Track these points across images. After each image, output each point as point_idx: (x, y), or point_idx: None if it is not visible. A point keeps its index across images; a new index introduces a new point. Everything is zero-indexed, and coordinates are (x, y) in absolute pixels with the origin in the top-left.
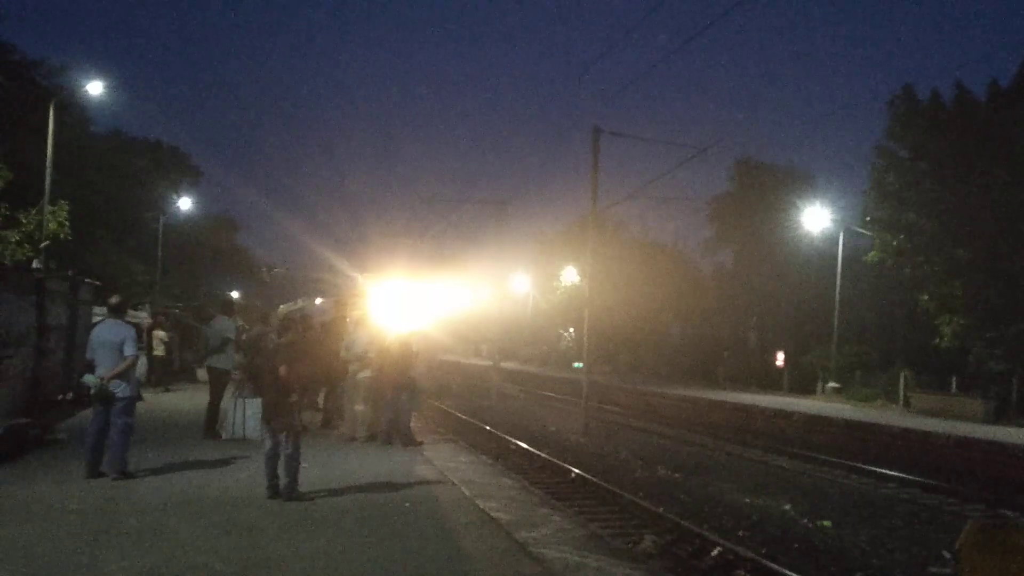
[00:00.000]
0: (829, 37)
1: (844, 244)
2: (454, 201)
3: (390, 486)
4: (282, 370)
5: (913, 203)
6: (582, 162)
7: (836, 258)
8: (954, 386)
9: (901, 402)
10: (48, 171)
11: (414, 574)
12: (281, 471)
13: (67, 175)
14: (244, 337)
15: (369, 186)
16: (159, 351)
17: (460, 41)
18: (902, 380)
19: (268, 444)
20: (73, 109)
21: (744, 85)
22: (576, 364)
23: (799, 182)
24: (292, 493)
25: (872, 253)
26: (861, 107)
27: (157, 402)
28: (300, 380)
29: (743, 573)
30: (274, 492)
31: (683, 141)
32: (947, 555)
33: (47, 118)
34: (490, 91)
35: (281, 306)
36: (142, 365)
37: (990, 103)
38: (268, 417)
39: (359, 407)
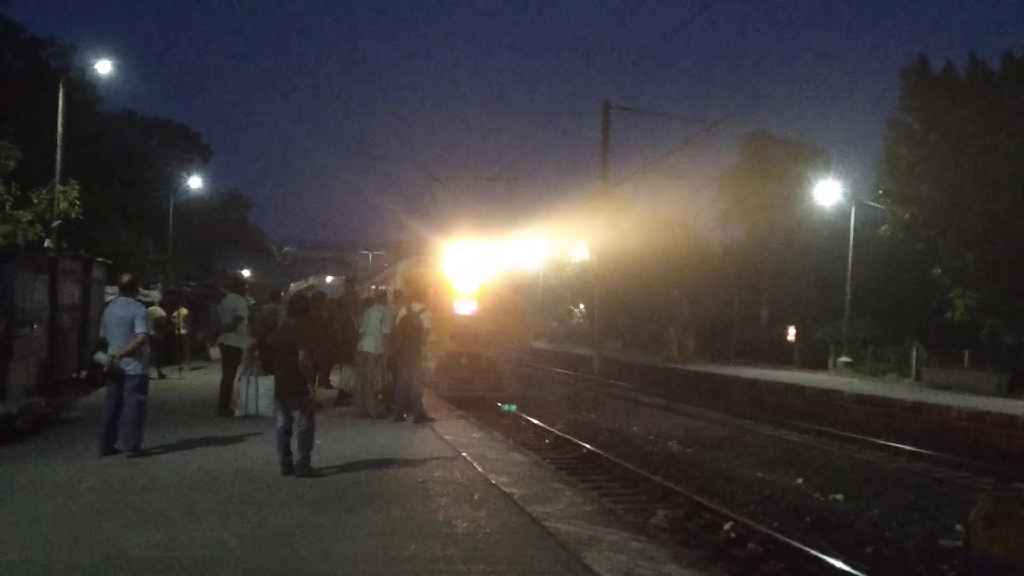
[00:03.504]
0: (841, 8)
1: (856, 218)
2: (463, 178)
3: (403, 462)
4: (302, 355)
5: (926, 176)
6: (591, 138)
7: (848, 232)
8: (966, 360)
9: (913, 376)
10: (59, 150)
11: (428, 549)
12: (294, 447)
13: (77, 155)
14: (256, 315)
15: (379, 163)
16: (183, 330)
17: (470, 15)
18: (914, 354)
19: (281, 421)
20: (83, 88)
21: (755, 58)
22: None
23: (810, 155)
24: (305, 469)
25: (884, 227)
26: (873, 79)
27: (170, 381)
28: (315, 358)
29: (755, 547)
30: (287, 468)
31: (694, 115)
32: (959, 528)
33: (56, 98)
34: (500, 67)
35: (292, 284)
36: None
37: (1004, 74)
38: (281, 394)
39: (370, 383)
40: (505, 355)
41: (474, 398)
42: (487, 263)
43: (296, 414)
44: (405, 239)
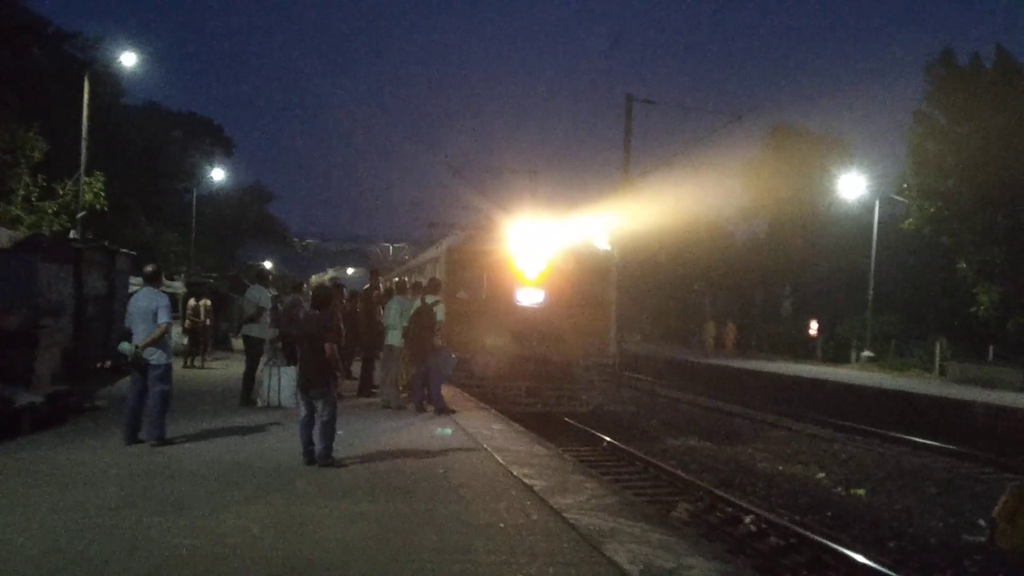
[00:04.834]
0: (866, 2)
1: (880, 212)
2: (484, 170)
3: (424, 453)
4: (328, 347)
5: (952, 169)
6: (614, 131)
7: (872, 226)
8: (991, 355)
9: (937, 371)
10: (84, 142)
11: (449, 540)
12: (316, 437)
13: (102, 147)
14: (279, 306)
15: (400, 155)
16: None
17: (494, 7)
18: (938, 349)
19: (303, 411)
20: (107, 81)
21: (779, 52)
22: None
23: (834, 149)
24: (327, 459)
25: (909, 221)
26: (898, 72)
27: (194, 371)
28: (340, 350)
29: (776, 540)
30: (310, 459)
31: (717, 108)
32: (982, 523)
33: (82, 90)
34: (523, 60)
35: (313, 276)
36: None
37: None
38: (304, 385)
39: (392, 375)
40: (583, 360)
41: (542, 414)
42: (558, 240)
43: (318, 405)
44: (444, 222)
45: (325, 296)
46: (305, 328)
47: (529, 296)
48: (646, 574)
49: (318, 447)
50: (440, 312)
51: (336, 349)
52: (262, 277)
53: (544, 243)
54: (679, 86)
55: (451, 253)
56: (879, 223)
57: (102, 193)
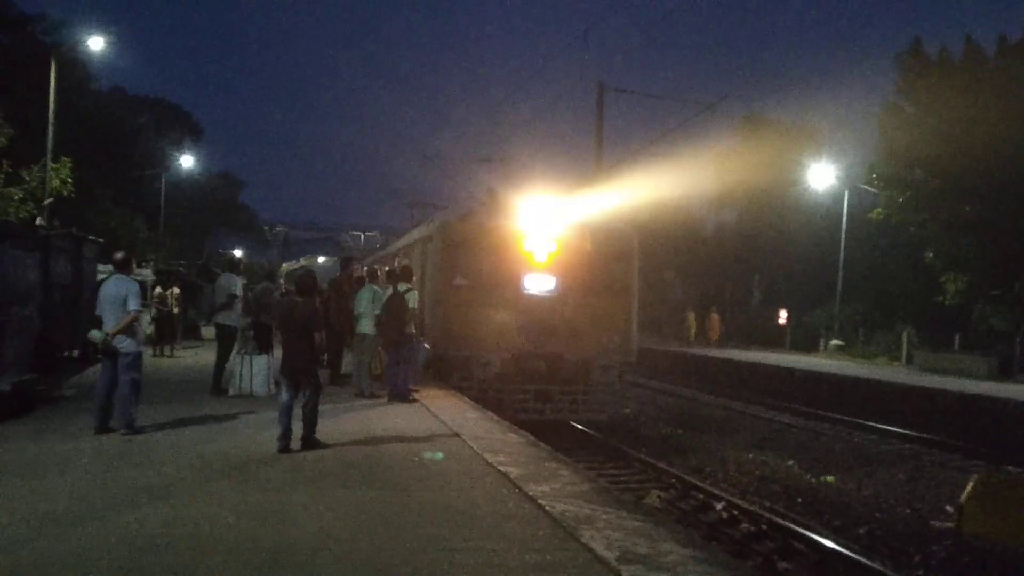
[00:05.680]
0: None
1: (849, 201)
2: (456, 158)
3: (398, 440)
4: (317, 336)
5: (920, 159)
6: (587, 119)
7: (841, 215)
8: (957, 344)
9: (904, 359)
10: (51, 127)
11: (425, 528)
12: (296, 423)
13: (69, 132)
14: (249, 294)
15: (372, 143)
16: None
17: None
18: (905, 338)
19: (286, 396)
20: (74, 65)
21: (752, 41)
22: None
23: (805, 138)
24: (310, 440)
25: (877, 210)
26: (870, 61)
27: (163, 360)
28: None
29: (748, 527)
30: (285, 445)
31: (690, 97)
32: (949, 509)
33: (48, 74)
34: (494, 45)
35: (283, 264)
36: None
37: (999, 58)
38: (290, 372)
39: (364, 363)
40: (601, 359)
41: (552, 423)
42: (571, 217)
43: (305, 389)
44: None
45: (310, 284)
46: (293, 316)
47: (539, 282)
48: (622, 560)
49: (303, 429)
50: (412, 300)
51: (322, 336)
52: (233, 265)
53: (556, 220)
54: (654, 76)
55: (445, 232)
56: (849, 213)
57: (69, 179)
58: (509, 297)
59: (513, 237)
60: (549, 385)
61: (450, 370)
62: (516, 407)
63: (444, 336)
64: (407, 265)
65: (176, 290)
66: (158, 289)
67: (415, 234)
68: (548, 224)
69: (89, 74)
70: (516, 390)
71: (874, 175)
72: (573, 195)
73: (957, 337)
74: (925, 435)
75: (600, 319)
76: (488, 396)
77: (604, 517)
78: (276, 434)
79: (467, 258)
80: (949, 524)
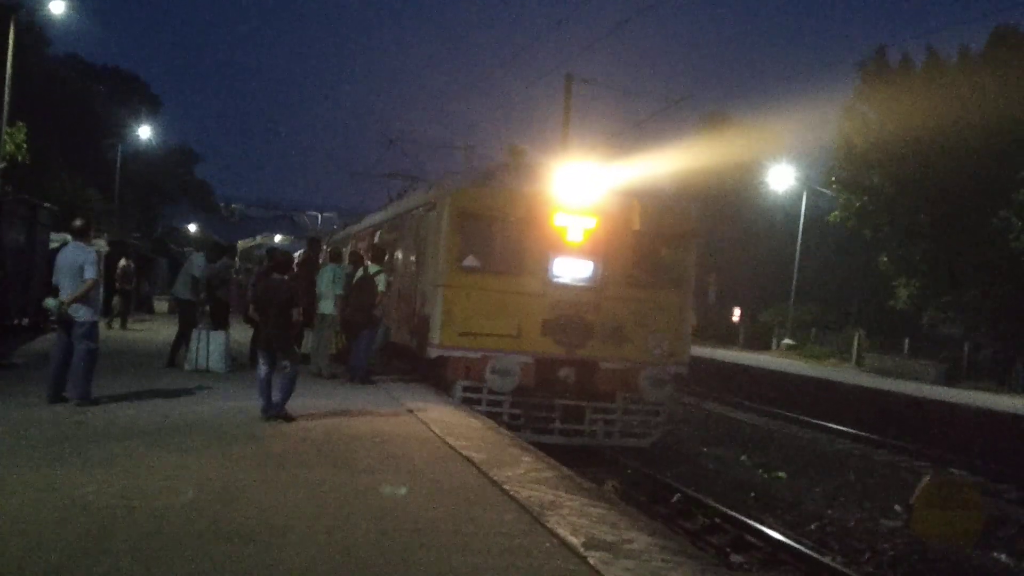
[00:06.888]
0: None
1: (808, 204)
2: (421, 143)
3: (360, 423)
4: (296, 312)
5: (878, 165)
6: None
7: (799, 217)
8: (907, 348)
9: (854, 360)
10: (7, 90)
11: (390, 511)
12: (275, 389)
13: (24, 98)
14: (207, 272)
15: (334, 124)
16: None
17: None
18: (856, 339)
19: (264, 369)
20: (31, 29)
21: (720, 40)
22: None
23: (766, 138)
24: (280, 409)
25: (834, 213)
26: (833, 66)
27: (116, 332)
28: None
29: (702, 518)
30: (269, 413)
31: (657, 93)
32: (898, 508)
33: (5, 36)
34: (463, 30)
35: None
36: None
37: (960, 67)
38: (267, 344)
39: (324, 344)
40: (649, 369)
41: (573, 449)
42: (615, 186)
43: (285, 362)
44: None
45: (287, 261)
46: (275, 292)
47: (571, 268)
48: (588, 547)
49: (276, 397)
50: (382, 282)
51: (300, 312)
52: (224, 249)
53: (595, 188)
54: (624, 70)
55: (458, 201)
56: (807, 215)
57: (24, 144)
58: (533, 286)
59: (542, 209)
60: (579, 400)
61: (452, 377)
62: (536, 427)
63: (444, 333)
64: (378, 245)
65: (131, 263)
66: (123, 262)
67: (410, 201)
68: (587, 193)
69: (45, 39)
70: (538, 405)
71: (833, 178)
72: (619, 161)
73: (907, 341)
74: (874, 436)
75: (648, 317)
76: (501, 413)
77: (569, 504)
78: (259, 405)
79: (481, 235)
80: (899, 523)
